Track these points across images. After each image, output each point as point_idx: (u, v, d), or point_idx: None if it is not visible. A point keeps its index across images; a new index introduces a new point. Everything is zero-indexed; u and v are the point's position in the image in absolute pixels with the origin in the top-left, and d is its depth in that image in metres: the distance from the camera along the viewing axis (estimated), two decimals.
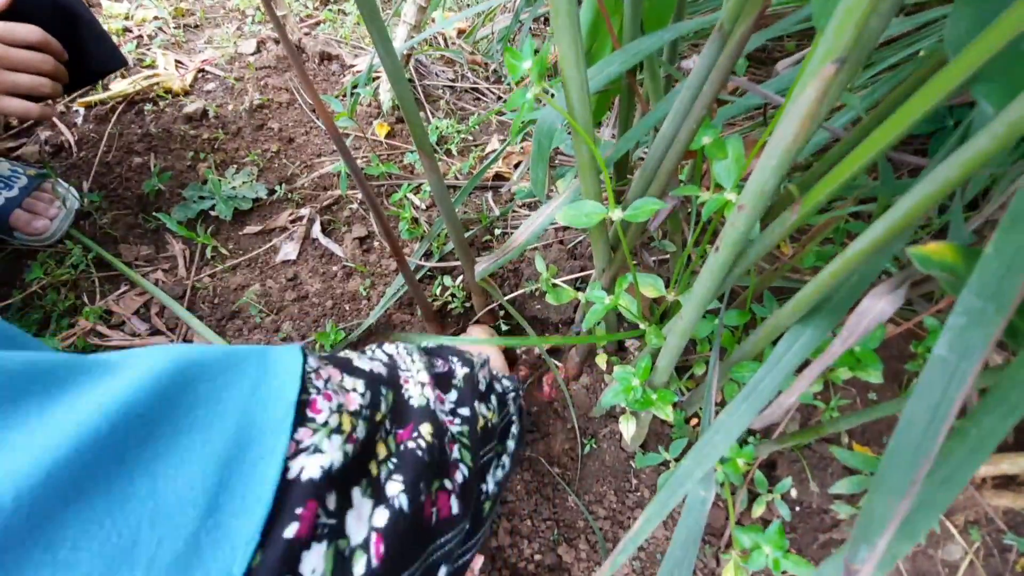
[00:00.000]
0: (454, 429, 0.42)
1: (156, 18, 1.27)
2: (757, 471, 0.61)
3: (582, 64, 0.32)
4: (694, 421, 0.67)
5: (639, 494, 0.70)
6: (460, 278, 0.81)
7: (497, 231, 0.88)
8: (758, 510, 0.60)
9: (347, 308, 0.83)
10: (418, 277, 0.84)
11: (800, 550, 0.65)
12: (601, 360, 0.67)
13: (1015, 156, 0.46)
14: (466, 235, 0.87)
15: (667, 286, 0.50)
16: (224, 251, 0.89)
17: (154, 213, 0.90)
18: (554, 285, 0.53)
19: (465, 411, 0.44)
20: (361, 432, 0.32)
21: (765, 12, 0.33)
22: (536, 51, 0.30)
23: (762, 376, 0.36)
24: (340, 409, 0.31)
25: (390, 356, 0.44)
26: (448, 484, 0.37)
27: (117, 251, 0.90)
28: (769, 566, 0.44)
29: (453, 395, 0.45)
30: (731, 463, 0.53)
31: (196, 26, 1.32)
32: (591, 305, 0.45)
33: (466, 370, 0.47)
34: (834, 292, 0.34)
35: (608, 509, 0.70)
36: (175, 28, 1.26)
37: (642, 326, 0.46)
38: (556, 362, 0.79)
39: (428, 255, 0.86)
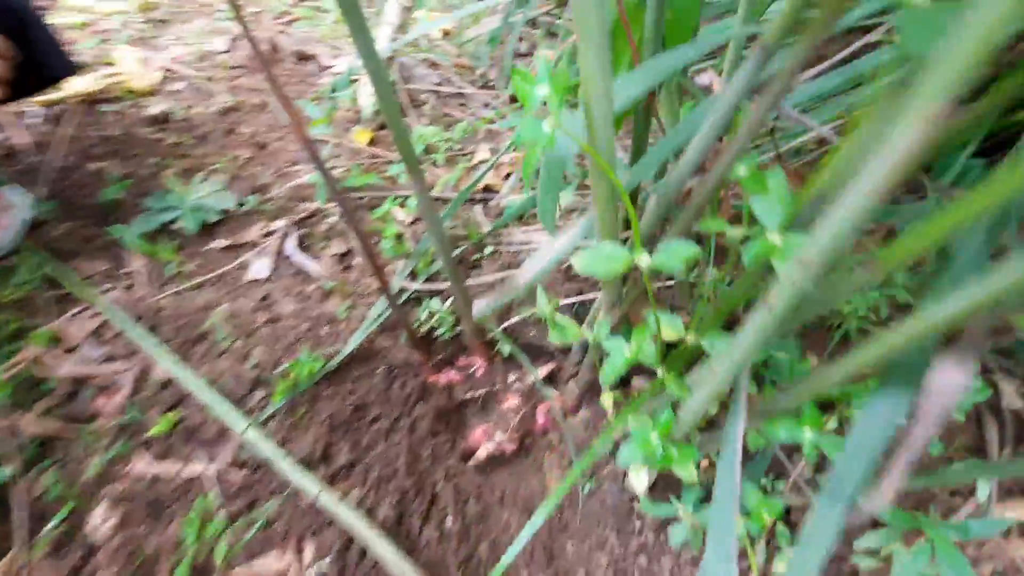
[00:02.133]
0: None
1: (120, 12, 1.18)
2: (779, 523, 0.56)
3: (609, 79, 0.26)
4: (704, 462, 0.62)
5: (642, 538, 0.65)
6: (449, 301, 0.75)
7: (488, 249, 0.82)
8: (779, 566, 0.55)
9: (324, 332, 0.76)
10: (403, 299, 0.77)
11: None
12: (607, 398, 0.61)
13: None
14: (455, 252, 0.81)
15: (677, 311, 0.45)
16: (190, 267, 0.82)
17: (114, 227, 0.82)
18: (557, 322, 0.48)
19: None
20: None
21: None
22: (555, 81, 0.24)
23: (844, 468, 0.30)
24: None
25: None
26: None
27: (72, 265, 0.82)
28: None
29: None
30: (755, 516, 0.48)
31: (163, 21, 1.24)
32: (601, 347, 0.40)
33: None
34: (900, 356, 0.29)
35: (610, 555, 0.64)
36: (142, 23, 1.18)
37: (660, 373, 0.41)
38: (554, 390, 0.73)
39: (414, 275, 0.80)
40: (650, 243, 0.43)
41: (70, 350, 0.75)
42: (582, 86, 0.27)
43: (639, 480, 0.51)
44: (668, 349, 0.47)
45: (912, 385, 0.28)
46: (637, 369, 0.71)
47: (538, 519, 0.41)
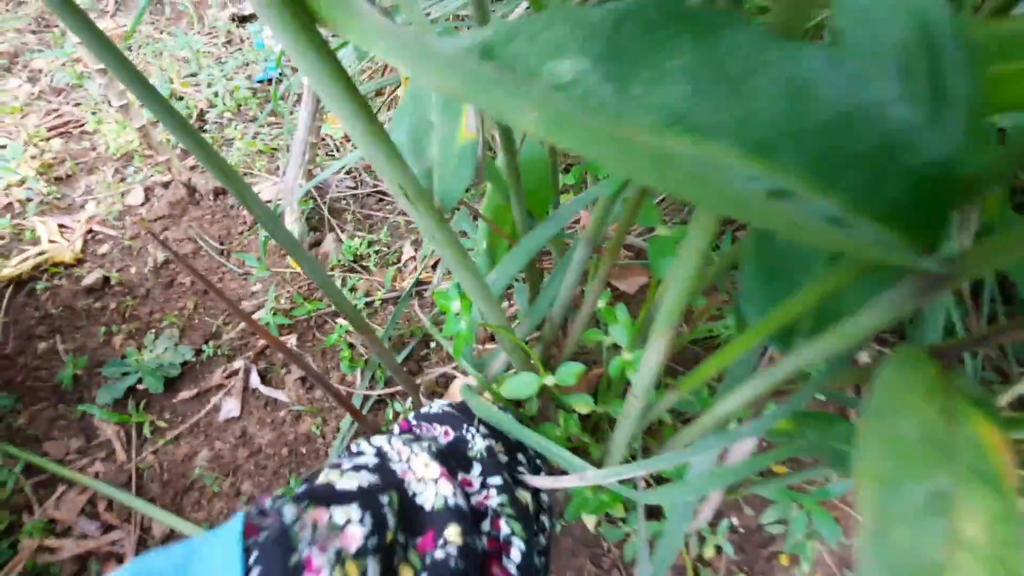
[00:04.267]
0: (493, 503, 0.38)
1: (23, 181, 1.21)
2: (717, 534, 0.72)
3: (486, 291, 0.39)
4: (643, 484, 0.77)
5: (611, 556, 0.79)
6: (409, 400, 0.87)
7: (432, 343, 0.94)
8: (708, 551, 0.70)
9: (304, 452, 0.86)
10: (368, 407, 0.88)
11: (751, 566, 0.76)
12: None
13: None
14: (404, 352, 0.92)
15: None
16: (162, 423, 0.88)
17: (77, 406, 0.88)
18: None
19: (497, 480, 0.39)
20: (374, 570, 0.29)
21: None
22: (462, 294, 0.38)
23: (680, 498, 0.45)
24: (340, 557, 0.29)
25: (379, 451, 0.39)
26: (507, 565, 0.34)
27: (43, 451, 0.86)
28: None
29: (476, 468, 0.40)
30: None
31: (68, 176, 1.27)
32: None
33: (487, 443, 0.43)
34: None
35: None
36: (47, 185, 1.21)
37: (584, 439, 0.55)
38: None
39: (373, 380, 0.90)
40: (554, 354, 0.58)
41: (65, 532, 0.80)
42: (471, 298, 0.40)
43: (591, 521, 0.64)
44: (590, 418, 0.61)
45: (722, 444, 0.43)
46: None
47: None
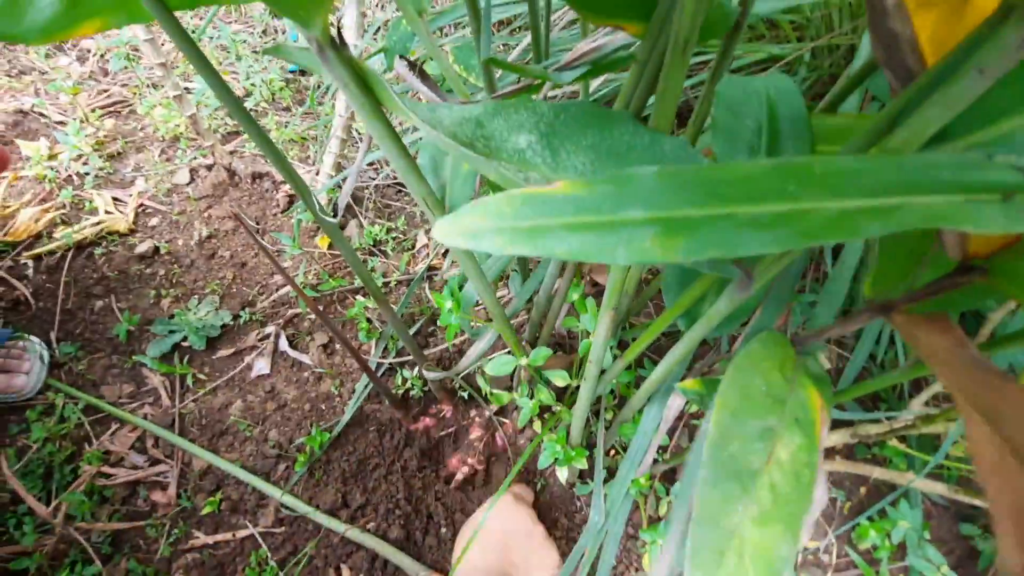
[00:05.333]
0: None
1: (80, 156, 1.34)
2: (658, 483, 0.84)
3: (489, 292, 0.52)
4: (612, 452, 0.89)
5: (583, 513, 0.91)
6: (416, 368, 0.99)
7: (440, 321, 1.07)
8: (662, 509, 0.82)
9: (324, 408, 0.99)
10: (380, 373, 1.01)
11: None
12: (538, 425, 0.87)
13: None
14: (413, 328, 1.05)
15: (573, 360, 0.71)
16: (202, 376, 1.02)
17: (132, 356, 1.01)
18: (493, 392, 0.74)
19: None
20: None
21: None
22: (457, 288, 0.50)
23: (636, 444, 0.57)
24: None
25: None
26: None
27: (100, 393, 1.00)
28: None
29: None
30: (636, 482, 0.75)
31: (119, 153, 1.41)
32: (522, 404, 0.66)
33: None
34: (661, 385, 0.57)
35: (562, 529, 0.90)
36: (101, 161, 1.35)
37: (556, 409, 0.67)
38: (506, 419, 0.98)
39: (386, 350, 1.03)
40: (537, 337, 0.70)
41: (119, 462, 0.94)
42: (469, 276, 0.53)
43: (563, 474, 0.77)
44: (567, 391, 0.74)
45: (663, 402, 0.55)
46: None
47: (493, 505, 0.66)
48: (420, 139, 0.99)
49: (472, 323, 0.63)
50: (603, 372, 0.58)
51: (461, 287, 0.64)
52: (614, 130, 0.29)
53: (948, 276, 0.29)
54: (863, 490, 0.88)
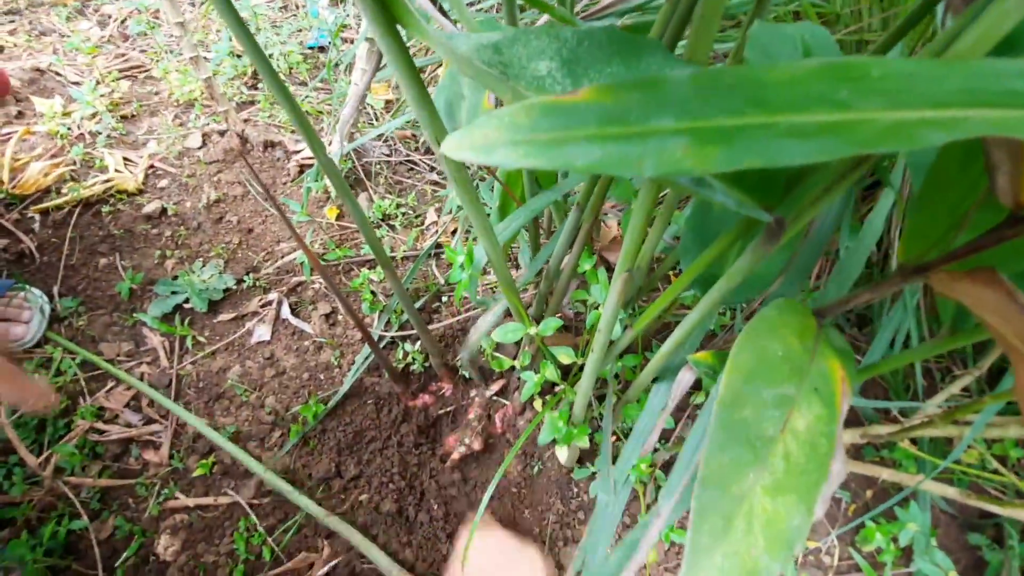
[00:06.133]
0: None
1: (94, 115, 1.34)
2: (659, 471, 0.82)
3: (493, 240, 0.50)
4: (614, 438, 0.87)
5: (580, 499, 0.89)
6: (418, 343, 0.98)
7: (444, 298, 1.05)
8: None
9: (322, 378, 0.97)
10: (382, 345, 0.99)
11: None
12: (538, 403, 0.85)
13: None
14: (418, 303, 1.03)
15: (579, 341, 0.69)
16: (202, 339, 1.01)
17: (132, 313, 1.00)
18: (495, 356, 0.71)
19: None
20: None
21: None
22: (469, 253, 0.48)
23: (641, 423, 0.55)
24: None
25: None
26: None
27: (98, 350, 0.99)
28: (662, 540, 0.64)
29: None
30: (637, 468, 0.73)
31: (133, 116, 1.40)
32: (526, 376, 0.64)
33: None
34: (671, 362, 0.55)
35: (557, 514, 0.88)
36: (115, 122, 1.34)
37: (560, 387, 0.65)
38: (506, 401, 0.97)
39: (388, 324, 1.02)
40: (547, 308, 0.68)
41: (112, 419, 0.93)
42: (483, 249, 0.51)
43: (563, 454, 0.75)
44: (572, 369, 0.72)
45: (671, 380, 0.53)
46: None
47: (492, 485, 0.64)
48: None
49: (479, 289, 0.61)
50: (611, 345, 0.56)
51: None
52: (642, 59, 0.27)
53: (994, 230, 0.27)
54: (869, 493, 0.85)
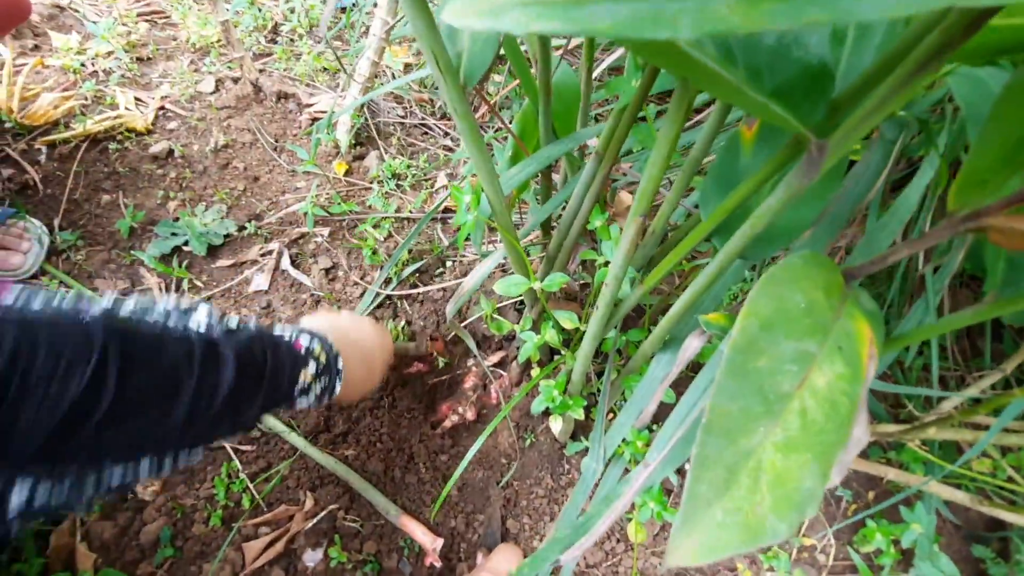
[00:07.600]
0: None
1: (110, 53, 1.31)
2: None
3: (500, 195, 0.47)
4: (610, 415, 0.84)
5: (570, 476, 0.87)
6: (419, 304, 0.95)
7: (448, 261, 1.02)
8: None
9: None
10: (378, 304, 0.97)
11: None
12: (536, 373, 0.83)
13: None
14: (420, 264, 1.01)
15: (583, 309, 0.66)
16: (199, 283, 0.99)
17: (131, 251, 0.98)
18: (494, 318, 0.68)
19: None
20: None
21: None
22: (476, 192, 0.45)
23: (640, 391, 0.52)
24: None
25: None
26: None
27: (94, 286, 0.97)
28: (654, 518, 0.61)
29: None
30: (631, 444, 0.70)
31: (148, 59, 1.37)
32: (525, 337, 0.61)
33: None
34: (677, 331, 0.51)
35: (546, 488, 0.86)
36: (130, 62, 1.32)
37: (562, 352, 0.63)
38: (503, 371, 0.94)
39: (388, 281, 0.99)
40: (554, 264, 0.65)
41: None
42: (484, 191, 0.48)
43: (556, 426, 0.72)
44: (575, 334, 0.69)
45: (678, 346, 0.50)
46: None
47: (477, 444, 0.62)
48: None
49: (484, 241, 0.58)
50: (618, 305, 0.53)
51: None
52: None
53: None
54: (872, 494, 0.82)
